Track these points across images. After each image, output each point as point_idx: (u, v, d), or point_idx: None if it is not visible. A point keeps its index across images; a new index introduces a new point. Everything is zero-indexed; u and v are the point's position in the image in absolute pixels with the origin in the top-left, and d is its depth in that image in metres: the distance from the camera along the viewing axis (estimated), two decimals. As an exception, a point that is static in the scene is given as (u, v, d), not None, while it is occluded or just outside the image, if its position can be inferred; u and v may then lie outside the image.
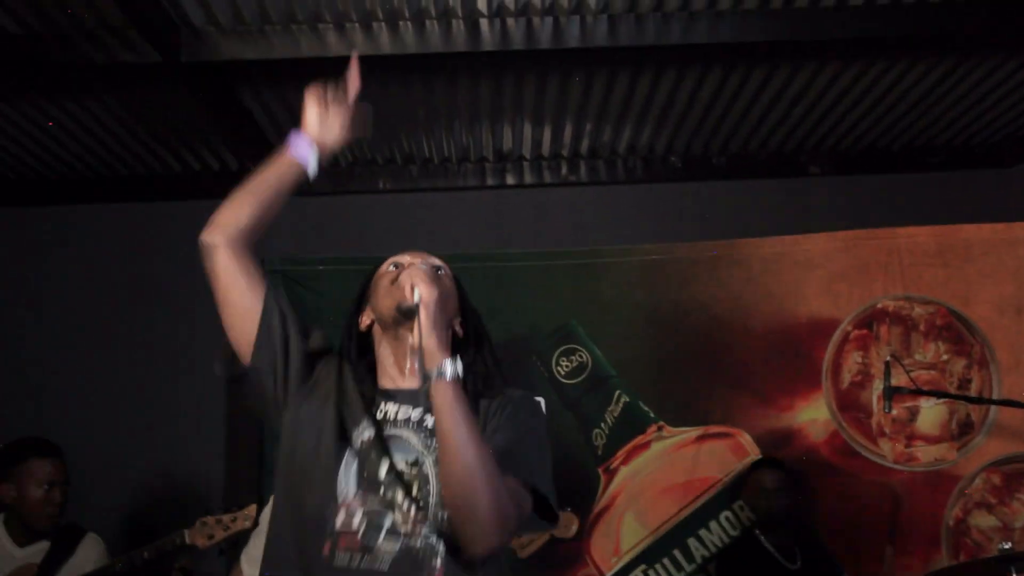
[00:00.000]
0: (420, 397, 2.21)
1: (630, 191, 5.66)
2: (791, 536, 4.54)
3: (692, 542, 4.78)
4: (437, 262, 2.45)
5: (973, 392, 4.83)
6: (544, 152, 5.61)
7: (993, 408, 4.80)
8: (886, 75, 4.79)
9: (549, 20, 4.23)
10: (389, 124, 5.20)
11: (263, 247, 5.25)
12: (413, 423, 2.22)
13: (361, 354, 2.40)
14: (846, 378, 4.91)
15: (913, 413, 4.85)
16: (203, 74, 4.42)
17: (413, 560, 2.07)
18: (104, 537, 3.96)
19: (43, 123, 5.00)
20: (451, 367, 2.06)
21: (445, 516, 2.10)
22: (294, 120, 5.07)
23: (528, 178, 5.71)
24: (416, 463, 2.16)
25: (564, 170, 5.71)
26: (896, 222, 5.09)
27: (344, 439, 2.19)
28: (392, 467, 2.15)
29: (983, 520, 4.76)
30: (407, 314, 2.19)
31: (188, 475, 5.16)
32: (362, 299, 2.48)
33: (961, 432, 4.83)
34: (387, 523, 2.10)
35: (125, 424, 5.31)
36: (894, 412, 4.75)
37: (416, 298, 2.14)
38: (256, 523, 3.48)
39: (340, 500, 2.12)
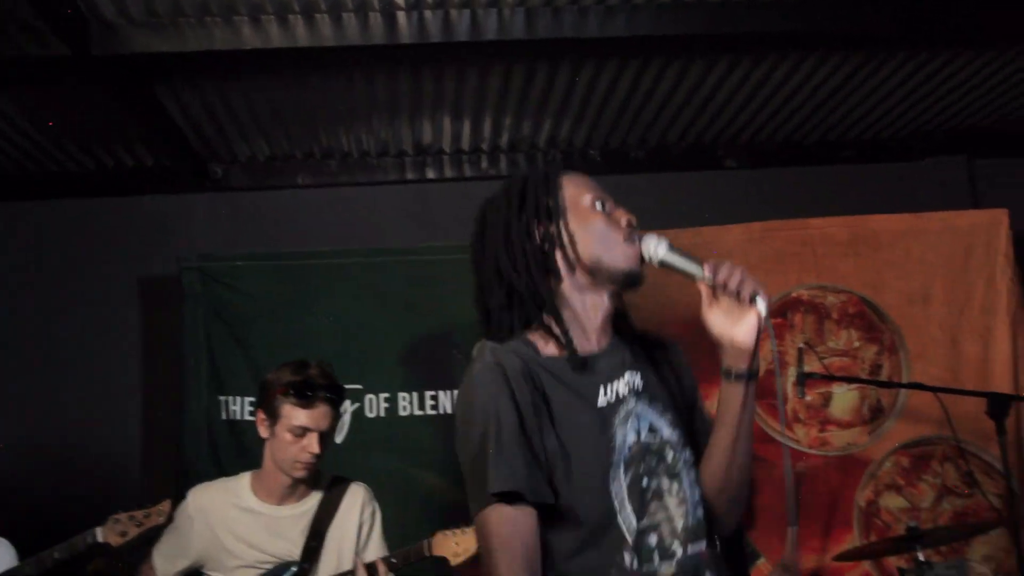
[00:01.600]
0: (618, 356, 2.08)
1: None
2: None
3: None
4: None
5: (884, 378, 4.96)
6: (464, 146, 5.63)
7: (903, 393, 4.92)
8: (798, 70, 4.88)
9: (467, 13, 4.24)
10: (307, 119, 5.17)
11: (178, 244, 5.28)
12: (635, 391, 2.06)
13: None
14: (761, 366, 4.97)
15: (826, 399, 4.96)
16: (115, 68, 4.33)
17: (692, 555, 1.99)
18: (13, 540, 3.86)
19: (-51, 119, 4.90)
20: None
21: (694, 475, 2.06)
22: (209, 113, 5.08)
23: (448, 172, 5.72)
24: (653, 429, 2.04)
25: (484, 164, 5.73)
26: (810, 214, 5.19)
27: (605, 454, 1.96)
28: (642, 444, 2.00)
29: (892, 501, 4.88)
30: (634, 282, 2.10)
31: (103, 473, 5.08)
32: (528, 212, 2.10)
33: (872, 417, 4.95)
34: (655, 541, 1.96)
35: (36, 422, 5.24)
36: (808, 398, 4.87)
37: (760, 307, 2.09)
38: (170, 518, 3.44)
39: (627, 536, 1.93)
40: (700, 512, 2.04)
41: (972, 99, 5.32)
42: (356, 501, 3.39)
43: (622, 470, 1.96)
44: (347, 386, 4.75)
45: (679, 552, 1.97)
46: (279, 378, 3.27)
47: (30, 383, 5.32)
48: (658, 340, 2.28)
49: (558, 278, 2.07)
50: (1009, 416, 3.76)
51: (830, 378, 4.70)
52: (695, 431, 2.17)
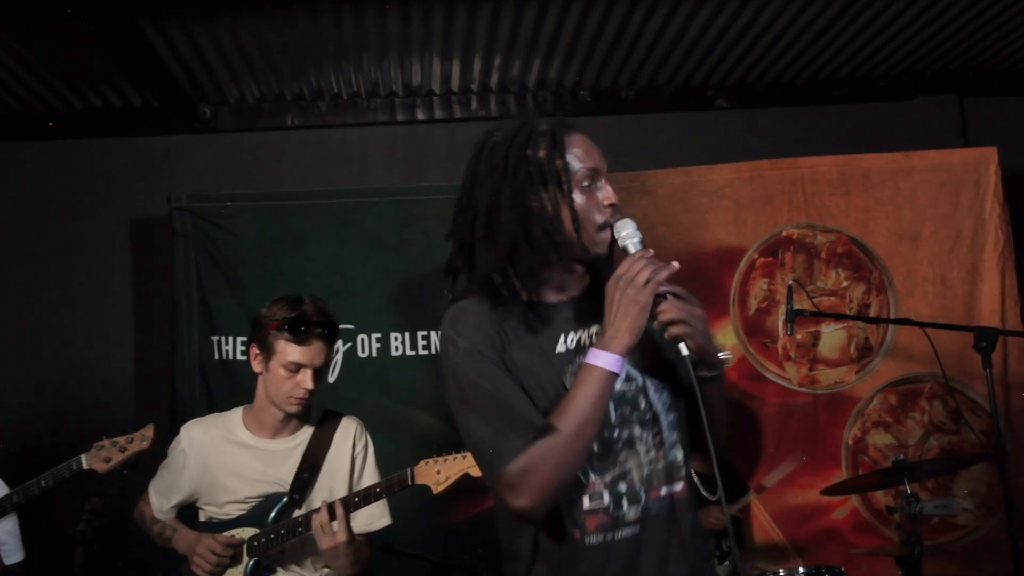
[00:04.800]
0: (587, 306, 2.11)
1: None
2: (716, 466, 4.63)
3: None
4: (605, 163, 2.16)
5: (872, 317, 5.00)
6: (454, 87, 5.60)
7: (890, 332, 4.97)
8: (788, 8, 4.85)
9: (456, -50, 4.21)
10: (296, 59, 5.14)
11: (167, 185, 5.26)
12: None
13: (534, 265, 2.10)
14: (753, 304, 5.04)
15: (815, 338, 5.01)
16: (101, 4, 4.28)
17: (660, 501, 2.06)
18: (8, 480, 3.89)
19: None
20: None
21: (673, 417, 2.12)
22: (198, 54, 5.04)
23: (438, 113, 5.69)
24: (629, 378, 2.09)
25: (474, 105, 5.70)
26: (800, 154, 5.21)
27: (555, 400, 2.03)
28: (614, 395, 2.04)
29: (880, 438, 4.95)
30: (600, 263, 2.13)
31: (96, 415, 5.09)
32: (517, 172, 2.09)
33: (860, 355, 5.00)
34: (624, 487, 2.05)
35: (28, 365, 5.28)
36: (798, 336, 4.91)
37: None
38: (154, 443, 3.46)
39: (584, 480, 2.04)
40: (678, 453, 2.12)
41: (962, 38, 5.31)
42: (349, 434, 3.41)
43: None
44: (339, 325, 4.80)
45: (644, 497, 2.06)
46: (273, 313, 3.27)
47: (22, 325, 5.34)
48: None
49: (548, 243, 2.09)
50: (995, 352, 3.79)
51: (820, 315, 4.74)
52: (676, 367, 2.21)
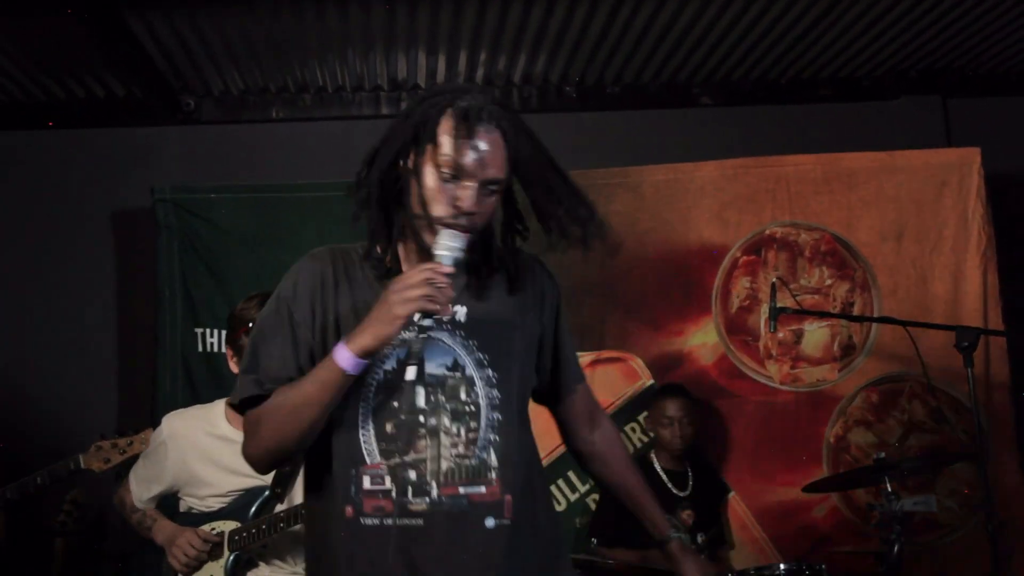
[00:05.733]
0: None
1: (525, 120, 5.65)
2: (685, 462, 4.66)
3: (583, 464, 4.88)
4: (499, 174, 2.04)
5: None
6: (439, 81, 5.58)
7: (873, 330, 4.99)
8: (773, 6, 4.85)
9: (442, -56, 4.20)
10: (281, 51, 5.11)
11: (151, 176, 5.23)
12: (445, 323, 2.05)
13: (386, 213, 2.09)
14: (735, 303, 5.05)
15: (798, 336, 5.02)
16: (86, -5, 4.26)
17: (455, 500, 2.00)
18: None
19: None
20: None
21: (497, 417, 2.05)
22: (182, 45, 5.00)
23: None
24: (456, 366, 2.05)
25: (459, 99, 5.68)
26: (784, 152, 5.22)
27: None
28: (430, 378, 2.02)
29: (862, 437, 4.97)
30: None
31: (79, 406, 5.09)
32: (402, 139, 2.07)
33: (843, 354, 5.01)
34: (414, 476, 1.99)
35: (10, 355, 5.24)
36: (780, 334, 4.92)
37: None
38: (144, 440, 3.46)
39: (366, 459, 2.01)
40: (490, 455, 2.04)
41: (946, 38, 5.32)
42: None
43: (373, 391, 2.03)
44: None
45: (435, 490, 1.99)
46: (244, 315, 3.25)
47: (4, 317, 5.30)
48: (534, 270, 2.24)
49: (406, 205, 2.07)
50: (977, 351, 3.81)
51: (803, 313, 4.76)
52: (537, 369, 2.23)
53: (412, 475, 1.99)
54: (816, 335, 5.03)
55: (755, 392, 4.98)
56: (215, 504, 3.31)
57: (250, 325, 3.17)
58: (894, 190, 5.07)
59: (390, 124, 2.12)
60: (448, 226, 1.99)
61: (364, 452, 2.00)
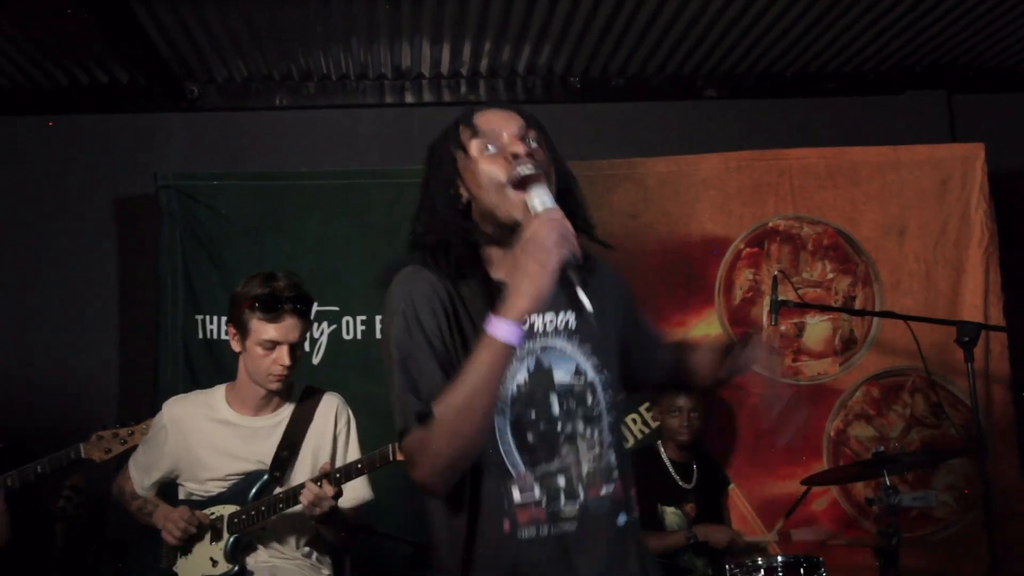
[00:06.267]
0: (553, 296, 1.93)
1: (529, 111, 5.64)
2: (692, 454, 4.66)
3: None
4: (534, 132, 2.08)
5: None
6: (443, 71, 5.58)
7: (875, 325, 4.98)
8: (780, -1, 4.86)
9: (447, -67, 4.19)
10: (286, 40, 5.11)
11: (153, 163, 5.23)
12: (562, 331, 2.07)
13: (458, 241, 2.06)
14: (738, 295, 5.05)
15: (800, 329, 5.02)
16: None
17: (600, 500, 2.02)
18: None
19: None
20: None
21: (613, 418, 2.08)
22: (186, 32, 5.00)
23: (427, 96, 5.66)
24: (579, 372, 2.07)
25: (463, 89, 5.68)
26: (789, 146, 5.22)
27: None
28: (560, 386, 2.04)
29: (862, 431, 4.97)
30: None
31: (80, 393, 5.09)
32: (441, 164, 2.09)
33: (844, 348, 5.01)
34: (563, 483, 2.00)
35: (12, 342, 5.24)
36: (783, 327, 4.92)
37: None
38: (145, 431, 3.47)
39: (511, 472, 1.99)
40: (612, 456, 2.07)
41: (952, 33, 5.32)
42: (330, 410, 3.42)
43: (509, 404, 2.00)
44: (324, 308, 4.75)
45: (583, 494, 2.01)
46: (246, 292, 3.27)
47: (4, 303, 5.30)
48: (602, 271, 2.22)
49: (480, 224, 2.06)
50: (977, 346, 3.81)
51: (804, 306, 4.76)
52: (631, 361, 2.23)
53: (561, 482, 2.00)
54: (818, 329, 5.03)
55: (756, 385, 4.98)
56: (214, 489, 3.33)
57: (251, 300, 3.19)
58: (898, 185, 5.07)
59: (423, 181, 2.15)
60: (522, 183, 1.97)
61: (509, 465, 1.99)
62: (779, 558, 3.92)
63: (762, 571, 3.88)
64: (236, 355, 3.36)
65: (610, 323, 2.15)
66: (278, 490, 3.27)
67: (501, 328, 1.84)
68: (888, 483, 3.86)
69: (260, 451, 3.32)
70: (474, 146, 2.04)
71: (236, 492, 3.30)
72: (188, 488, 3.38)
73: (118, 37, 4.83)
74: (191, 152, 5.48)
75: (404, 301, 2.00)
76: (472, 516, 2.00)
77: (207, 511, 3.31)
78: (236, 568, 3.28)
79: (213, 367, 4.78)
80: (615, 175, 5.03)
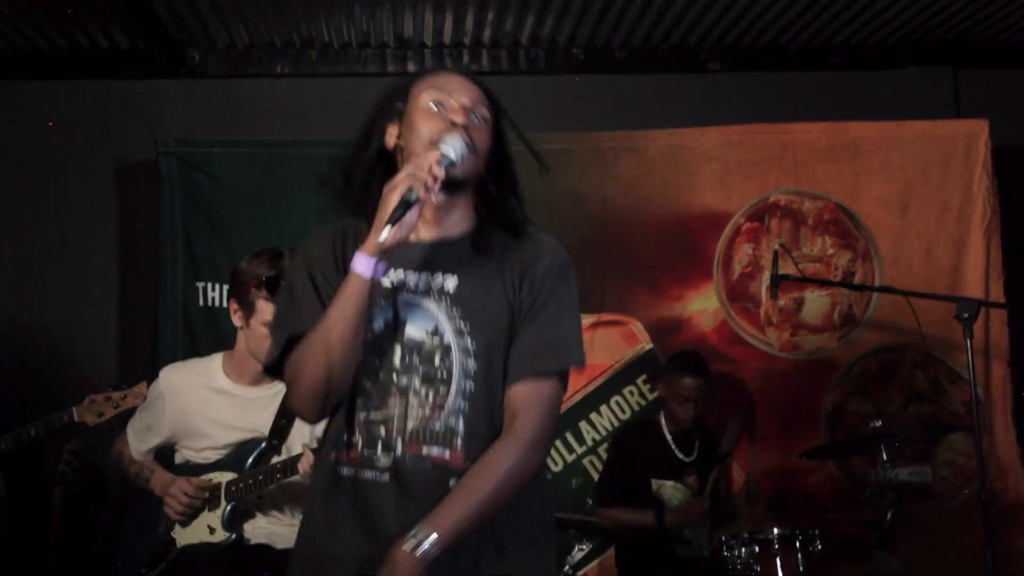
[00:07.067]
0: (434, 253, 2.10)
1: (532, 81, 5.63)
2: (694, 426, 4.61)
3: (583, 425, 4.92)
4: (485, 112, 2.14)
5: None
6: (446, 40, 5.55)
7: (874, 300, 4.99)
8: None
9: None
10: (288, 6, 5.08)
11: (154, 129, 5.20)
12: (435, 290, 2.09)
13: (369, 185, 2.13)
14: (736, 269, 5.05)
15: (799, 303, 5.02)
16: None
17: (417, 459, 2.02)
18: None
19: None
20: None
21: (470, 387, 2.05)
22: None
23: (429, 65, 5.64)
24: (437, 332, 2.07)
25: (466, 59, 5.65)
26: (792, 119, 5.20)
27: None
28: (408, 340, 2.06)
29: (859, 405, 4.98)
30: (451, 185, 2.04)
31: (79, 358, 5.10)
32: (383, 113, 2.17)
33: (843, 323, 5.02)
34: (383, 433, 2.03)
35: (11, 306, 5.24)
36: (781, 302, 4.92)
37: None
38: (144, 397, 3.47)
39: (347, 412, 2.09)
40: (457, 422, 2.03)
41: (958, 8, 5.28)
42: None
43: (363, 350, 2.05)
44: (323, 277, 4.74)
45: (400, 448, 2.03)
46: (252, 270, 3.25)
47: (4, 267, 5.30)
48: (536, 252, 2.18)
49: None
50: (977, 323, 3.81)
51: (804, 280, 4.76)
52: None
53: (381, 431, 2.05)
54: (817, 303, 5.03)
55: (755, 359, 4.99)
56: (212, 456, 3.33)
57: (258, 280, 3.19)
58: (900, 160, 5.06)
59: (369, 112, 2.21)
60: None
61: (346, 405, 2.08)
62: (775, 531, 3.93)
63: (757, 546, 3.90)
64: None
65: (500, 297, 2.10)
66: (276, 459, 3.27)
67: (359, 262, 1.97)
68: (885, 458, 3.87)
69: (256, 421, 3.31)
70: (423, 98, 2.12)
71: (233, 460, 3.31)
72: (185, 454, 3.39)
73: (119, 2, 4.80)
74: (192, 119, 5.45)
75: (304, 244, 2.19)
76: (320, 444, 2.21)
77: (204, 477, 3.31)
78: (234, 536, 3.28)
79: (212, 333, 4.79)
80: (615, 147, 5.02)
